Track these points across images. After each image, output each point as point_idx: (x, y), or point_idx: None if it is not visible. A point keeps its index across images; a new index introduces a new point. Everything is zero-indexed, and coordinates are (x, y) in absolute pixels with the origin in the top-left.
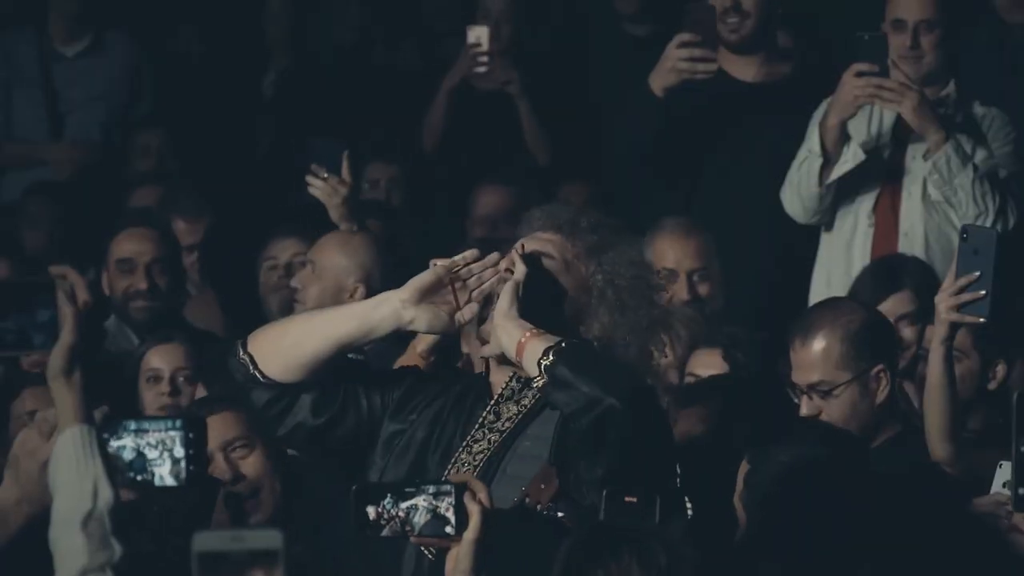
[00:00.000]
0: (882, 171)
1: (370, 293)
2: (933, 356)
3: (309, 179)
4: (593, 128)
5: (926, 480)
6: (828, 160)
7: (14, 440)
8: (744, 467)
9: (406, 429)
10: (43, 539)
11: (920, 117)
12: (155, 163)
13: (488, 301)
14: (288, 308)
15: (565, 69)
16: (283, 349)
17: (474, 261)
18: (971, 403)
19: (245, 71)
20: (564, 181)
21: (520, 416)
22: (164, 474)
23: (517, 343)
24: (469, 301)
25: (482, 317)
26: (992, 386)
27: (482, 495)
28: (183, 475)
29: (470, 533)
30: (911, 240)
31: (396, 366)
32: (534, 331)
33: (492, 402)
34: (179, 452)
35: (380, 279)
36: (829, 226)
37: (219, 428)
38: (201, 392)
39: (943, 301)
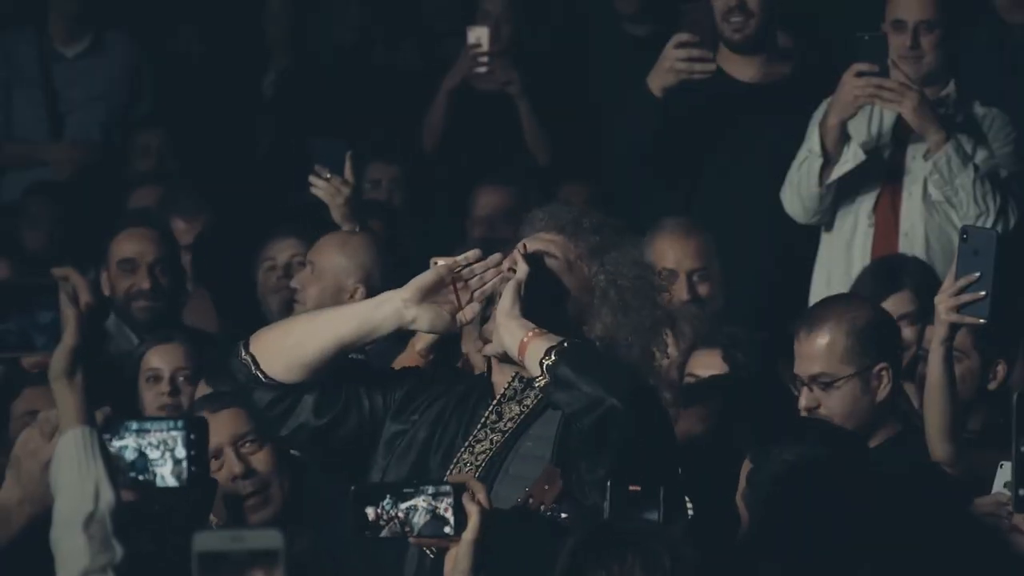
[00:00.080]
0: (882, 171)
1: (370, 293)
2: (933, 356)
3: (312, 179)
4: (593, 128)
5: (926, 480)
6: (828, 160)
7: (15, 440)
8: (747, 465)
9: (408, 429)
10: (45, 540)
11: (920, 117)
12: (155, 163)
13: (490, 301)
14: (287, 309)
15: (565, 69)
16: (285, 349)
17: (476, 261)
18: (971, 403)
19: (245, 71)
20: (564, 181)
21: (522, 416)
22: (166, 474)
23: (519, 342)
24: (471, 301)
25: (484, 317)
26: (992, 386)
27: (481, 496)
28: (184, 475)
29: (469, 533)
30: (911, 240)
31: (395, 365)
32: (536, 330)
33: (494, 402)
34: (181, 452)
35: (380, 279)
36: (829, 226)
37: (230, 423)
38: (203, 391)
39: (943, 302)
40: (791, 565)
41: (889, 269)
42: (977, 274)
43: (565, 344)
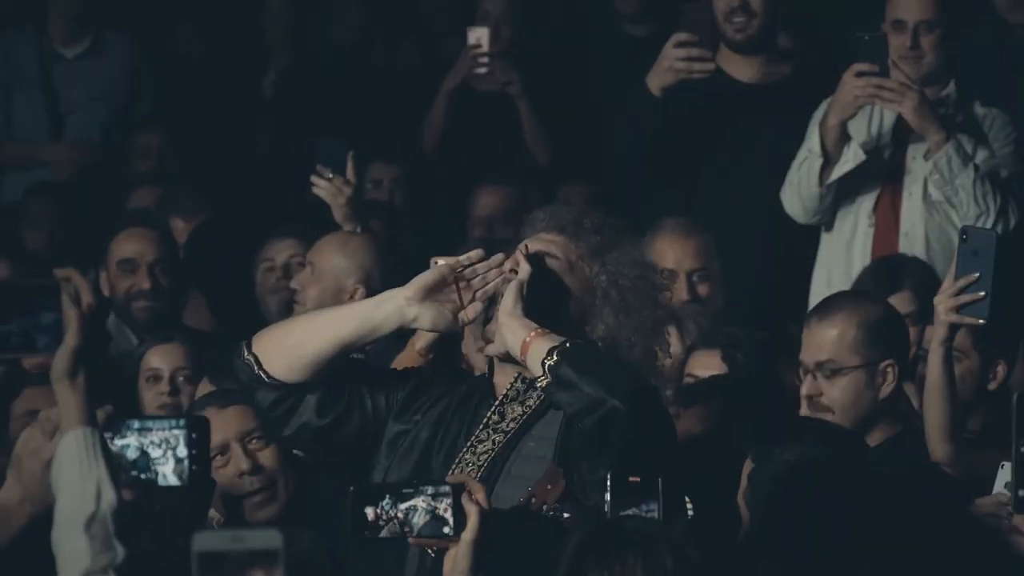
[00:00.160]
0: (882, 171)
1: (370, 294)
2: (933, 357)
3: (314, 179)
4: (593, 129)
5: (926, 480)
6: (828, 160)
7: (16, 440)
8: (748, 465)
9: (410, 429)
10: (46, 541)
11: (920, 117)
12: (155, 163)
13: (492, 302)
14: (287, 310)
15: (565, 70)
16: (287, 349)
17: (479, 261)
18: (971, 403)
19: (245, 71)
20: (564, 181)
21: (525, 417)
22: (167, 473)
23: (522, 342)
24: (473, 300)
25: (486, 317)
26: (992, 386)
27: (480, 496)
28: (186, 475)
29: (468, 534)
30: (912, 240)
31: (395, 364)
32: (539, 330)
33: (497, 403)
34: (182, 452)
35: (380, 280)
36: (829, 226)
37: (237, 419)
38: (204, 389)
39: (942, 302)
40: (791, 565)
41: (889, 269)
42: (977, 274)
43: (567, 344)
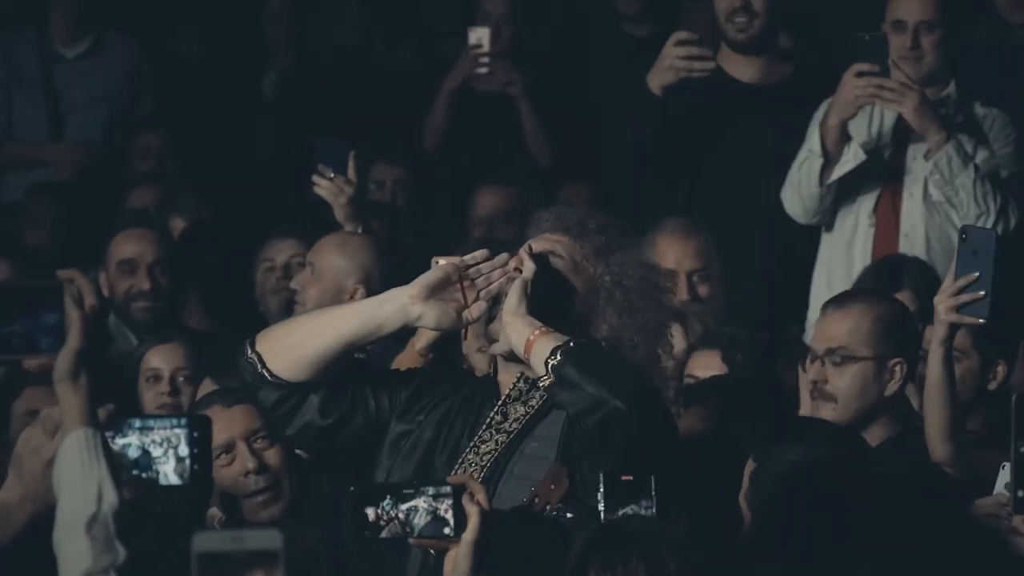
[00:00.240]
0: (883, 171)
1: (370, 294)
2: (933, 357)
3: (315, 179)
4: (593, 129)
5: (926, 480)
6: (829, 160)
7: (16, 439)
8: (750, 465)
9: (413, 430)
10: (47, 541)
11: (921, 117)
12: (155, 164)
13: (496, 301)
14: (287, 310)
15: (566, 70)
16: (291, 347)
17: (483, 261)
18: (971, 403)
19: (245, 72)
20: (565, 182)
21: (527, 417)
22: (168, 472)
23: (525, 340)
24: (477, 300)
25: (490, 316)
26: (992, 386)
27: (480, 496)
28: (187, 474)
29: (468, 534)
30: (912, 240)
31: (395, 364)
32: (543, 329)
33: (499, 403)
34: (184, 450)
35: (380, 280)
36: (830, 226)
37: (243, 418)
38: (207, 389)
39: (942, 302)
40: (791, 565)
41: (890, 269)
42: (976, 274)
43: (571, 343)
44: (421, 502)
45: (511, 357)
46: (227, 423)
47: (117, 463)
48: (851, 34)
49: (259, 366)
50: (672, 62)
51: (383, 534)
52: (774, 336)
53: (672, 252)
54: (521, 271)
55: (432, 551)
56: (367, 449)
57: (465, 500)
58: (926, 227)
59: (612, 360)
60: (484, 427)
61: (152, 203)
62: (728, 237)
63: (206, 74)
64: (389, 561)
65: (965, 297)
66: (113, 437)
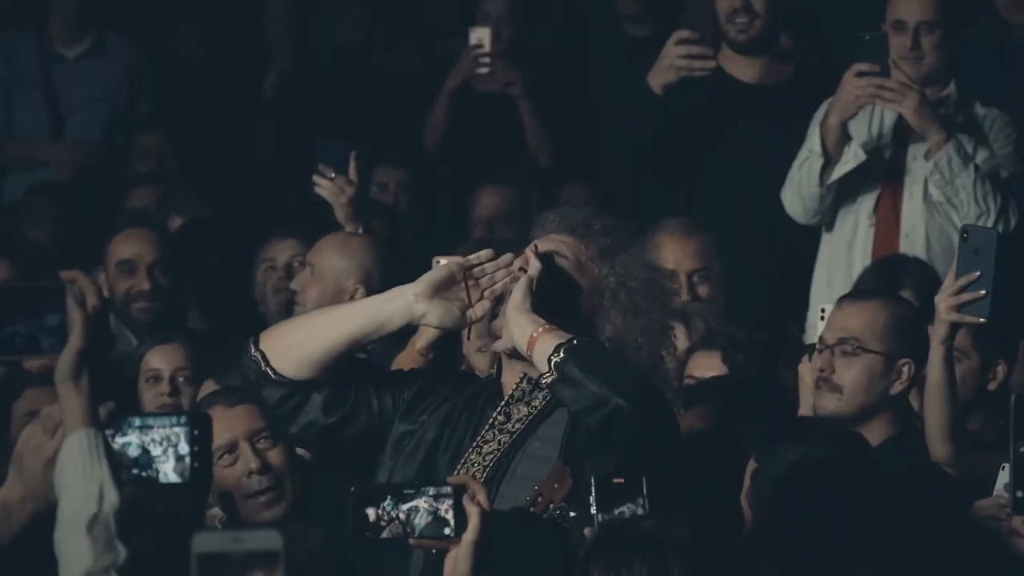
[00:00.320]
0: (883, 171)
1: (370, 294)
2: (933, 356)
3: (316, 179)
4: (594, 129)
5: (926, 480)
6: (829, 160)
7: (17, 439)
8: (751, 465)
9: (416, 430)
10: (48, 541)
11: (921, 117)
12: (155, 164)
13: (500, 301)
14: (287, 310)
15: (566, 70)
16: (294, 345)
17: (488, 260)
18: (971, 403)
19: (245, 72)
20: (565, 182)
21: (530, 417)
22: (168, 471)
23: (529, 337)
24: (481, 299)
25: (493, 315)
26: (992, 386)
27: (481, 497)
28: (187, 472)
29: (469, 535)
30: (912, 240)
31: (395, 363)
32: (546, 326)
33: (502, 403)
34: (184, 448)
35: (380, 280)
36: (830, 226)
37: (246, 418)
38: (208, 390)
39: (943, 301)
40: (792, 565)
41: (890, 269)
42: (977, 273)
43: (574, 341)
44: (422, 502)
45: (513, 354)
46: (230, 423)
47: (118, 463)
48: (851, 34)
49: (262, 364)
50: (673, 61)
51: (384, 534)
52: (774, 336)
53: (672, 252)
54: (526, 271)
55: (433, 551)
56: (370, 449)
57: (465, 500)
58: (926, 227)
59: (615, 359)
60: (487, 427)
61: (151, 203)
62: (728, 237)
63: (206, 74)
64: (391, 561)
65: (966, 296)
66: (113, 436)
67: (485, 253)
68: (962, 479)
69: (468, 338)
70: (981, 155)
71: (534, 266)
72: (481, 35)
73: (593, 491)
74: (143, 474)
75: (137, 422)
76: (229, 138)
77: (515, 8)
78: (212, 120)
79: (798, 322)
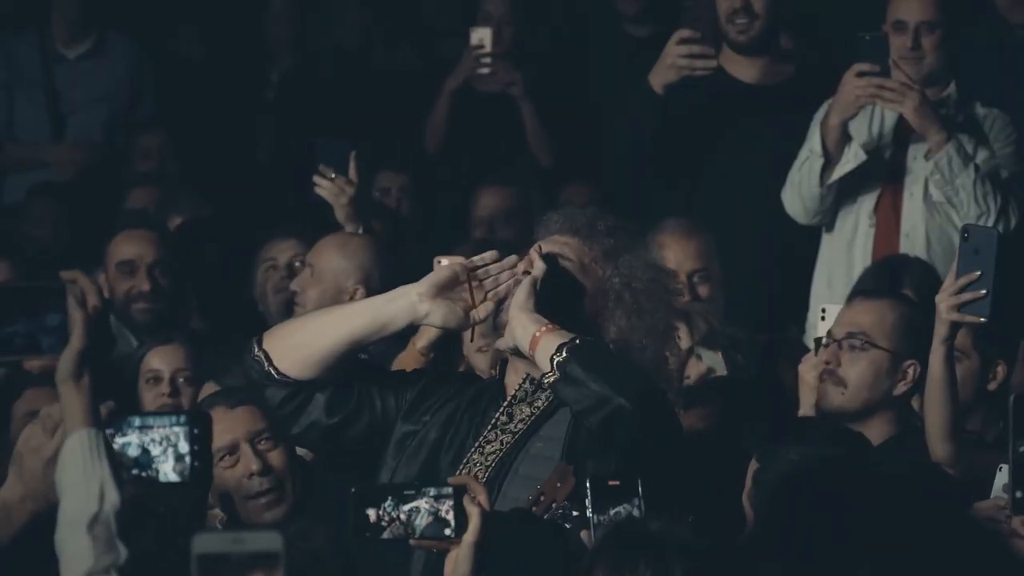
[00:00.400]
0: (883, 171)
1: (370, 295)
2: (934, 356)
3: (316, 179)
4: (594, 129)
5: (926, 480)
6: (829, 160)
7: (17, 439)
8: (753, 465)
9: (419, 430)
10: (49, 541)
11: (921, 117)
12: (156, 164)
13: (503, 302)
14: (287, 310)
15: (566, 71)
16: (297, 345)
17: (493, 262)
18: (971, 403)
19: (246, 72)
20: (566, 182)
21: (533, 418)
22: (168, 471)
23: (531, 336)
24: (484, 300)
25: (496, 313)
26: (992, 387)
27: (481, 497)
28: (187, 471)
29: (469, 535)
30: (912, 241)
31: (396, 363)
32: (549, 326)
33: (505, 403)
34: (184, 448)
35: (379, 280)
36: (830, 227)
37: (247, 419)
38: (209, 391)
39: (944, 301)
40: (793, 565)
41: (890, 269)
42: (978, 273)
43: (577, 341)
44: (422, 503)
45: (516, 353)
46: (230, 424)
47: (118, 463)
48: (852, 34)
49: (266, 364)
50: (674, 60)
51: (384, 535)
52: (774, 336)
53: (673, 253)
54: (530, 272)
55: (434, 551)
56: (372, 449)
57: (466, 501)
58: (926, 227)
59: (618, 359)
60: (489, 427)
61: (149, 203)
62: (728, 237)
63: (206, 74)
64: (392, 561)
65: (966, 296)
66: (113, 436)
67: (489, 255)
68: (962, 479)
69: (472, 339)
70: (981, 155)
71: (538, 267)
72: (482, 35)
73: (588, 493)
74: (143, 474)
75: (137, 422)
76: (229, 138)
77: (516, 9)
78: (212, 120)
79: (798, 322)
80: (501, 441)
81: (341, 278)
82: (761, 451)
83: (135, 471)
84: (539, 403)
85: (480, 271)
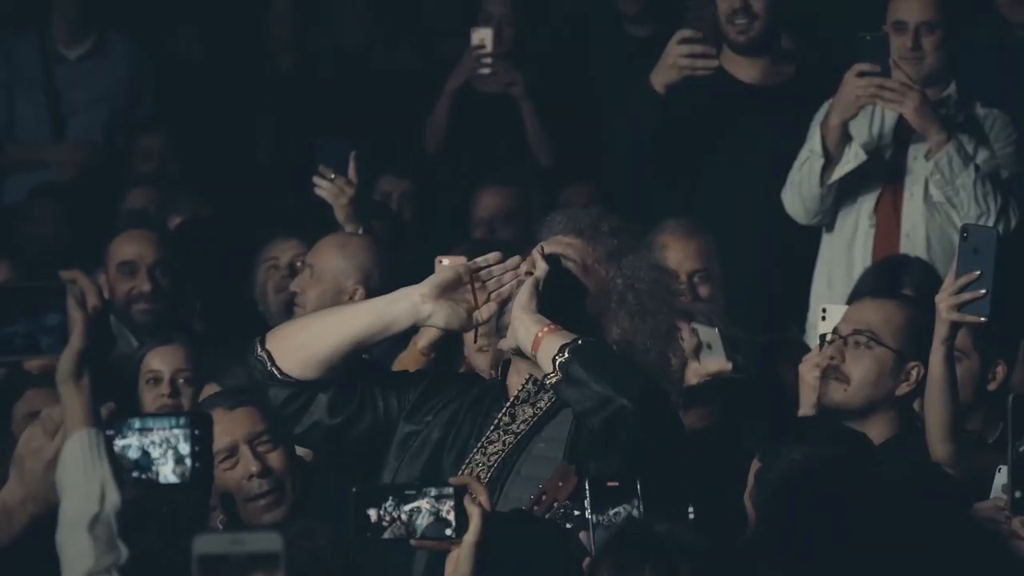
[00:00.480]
0: (883, 172)
1: (369, 295)
2: (934, 356)
3: (316, 180)
4: (594, 129)
5: (926, 480)
6: (830, 160)
7: (18, 440)
8: (755, 465)
9: (421, 430)
10: (50, 541)
11: (922, 117)
12: (157, 165)
13: (507, 303)
14: (288, 310)
15: (566, 71)
16: (300, 345)
17: (496, 263)
18: (971, 403)
19: (246, 73)
20: (566, 183)
21: (535, 418)
22: (168, 473)
23: (534, 337)
24: (487, 301)
25: (500, 314)
26: (992, 387)
27: (482, 498)
28: (187, 473)
29: (470, 535)
30: (913, 241)
31: (396, 363)
32: (551, 326)
33: (508, 404)
34: (184, 449)
35: (379, 281)
36: (830, 227)
37: (246, 421)
38: (210, 391)
39: (943, 301)
40: (793, 564)
41: (891, 270)
42: (977, 272)
43: (579, 341)
44: (423, 503)
45: (518, 353)
46: (229, 426)
47: (119, 463)
48: (852, 35)
49: (268, 364)
50: (676, 60)
51: (385, 535)
52: (774, 337)
53: (673, 253)
54: (532, 273)
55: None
56: (375, 449)
57: (467, 501)
58: (927, 227)
59: (620, 359)
60: (492, 428)
61: (147, 204)
62: (728, 237)
63: (206, 74)
64: (393, 562)
65: (966, 295)
66: (113, 438)
67: (493, 256)
68: (962, 479)
69: (475, 340)
70: (981, 155)
71: (540, 268)
72: (483, 36)
73: (587, 494)
74: (143, 476)
75: (137, 424)
76: (229, 138)
77: (517, 9)
78: (212, 120)
79: (798, 322)
80: (503, 442)
81: (341, 278)
82: (764, 451)
83: (135, 473)
84: (542, 404)
85: (483, 272)
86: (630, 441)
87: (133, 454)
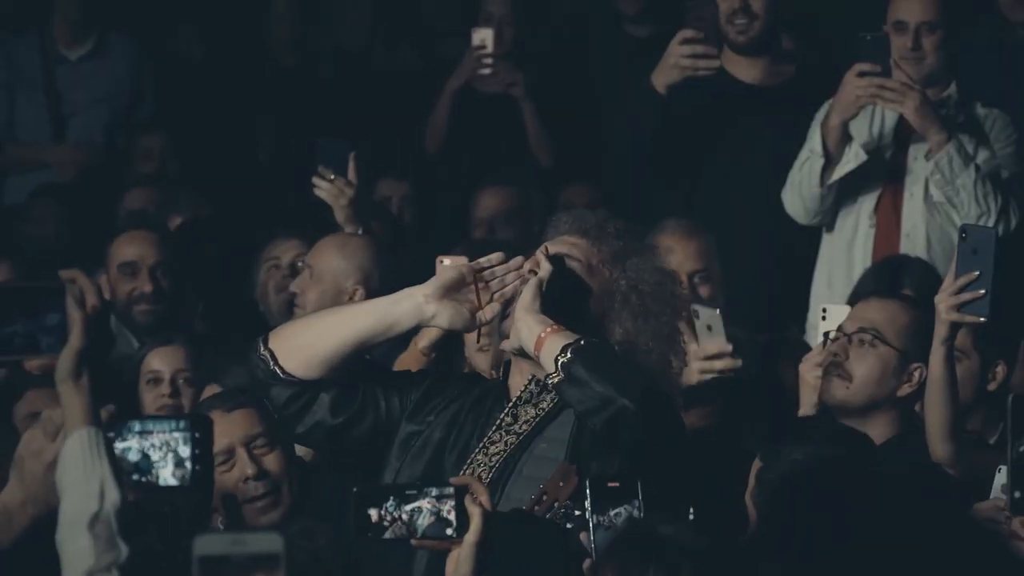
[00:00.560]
0: (884, 172)
1: (369, 295)
2: (934, 356)
3: (315, 180)
4: (594, 130)
5: (926, 480)
6: (830, 160)
7: (19, 441)
8: (756, 464)
9: (423, 430)
10: (50, 541)
11: (922, 117)
12: (157, 165)
13: (510, 303)
14: (288, 310)
15: (566, 71)
16: (303, 345)
17: (499, 263)
18: (971, 403)
19: (246, 73)
20: (566, 183)
21: (537, 419)
22: (168, 476)
23: (536, 337)
24: (491, 301)
25: (503, 317)
26: (992, 387)
27: (483, 498)
28: (188, 476)
29: (471, 535)
30: (913, 241)
31: (397, 363)
32: (554, 327)
33: (510, 404)
34: (184, 452)
35: (379, 281)
36: (830, 227)
37: (243, 423)
38: (210, 392)
39: (943, 301)
40: (794, 564)
41: (891, 270)
42: (977, 272)
43: (582, 342)
44: (424, 503)
45: (520, 353)
46: (226, 428)
47: (118, 463)
48: (852, 35)
49: (271, 363)
50: (677, 60)
51: (386, 535)
52: (774, 336)
53: (673, 253)
54: (536, 273)
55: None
56: (376, 449)
57: (467, 501)
58: (927, 227)
59: (622, 360)
60: (494, 428)
61: (147, 204)
62: (728, 238)
63: (206, 74)
64: (394, 562)
65: (966, 296)
66: (113, 440)
67: (496, 256)
68: (962, 479)
69: (478, 340)
70: (982, 155)
71: (544, 268)
72: (484, 36)
73: (588, 494)
74: (143, 479)
75: (137, 427)
76: (229, 138)
77: (517, 9)
78: (212, 120)
79: (798, 322)
80: (505, 442)
81: (340, 279)
82: (765, 451)
83: (135, 476)
84: (544, 404)
85: (486, 272)
86: (632, 441)
87: (133, 457)
